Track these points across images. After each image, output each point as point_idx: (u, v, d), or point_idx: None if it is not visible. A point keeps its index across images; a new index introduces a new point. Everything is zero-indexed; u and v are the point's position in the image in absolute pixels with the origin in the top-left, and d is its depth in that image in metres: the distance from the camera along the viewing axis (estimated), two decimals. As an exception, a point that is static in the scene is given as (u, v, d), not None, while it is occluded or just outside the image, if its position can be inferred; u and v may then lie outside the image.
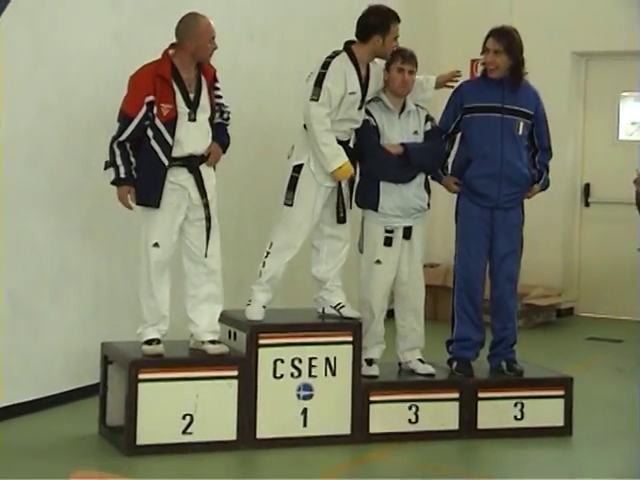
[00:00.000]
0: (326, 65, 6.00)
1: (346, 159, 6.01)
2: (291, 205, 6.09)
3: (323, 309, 6.27)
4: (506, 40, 6.35)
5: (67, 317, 6.60)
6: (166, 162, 5.74)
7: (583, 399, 6.40)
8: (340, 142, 6.05)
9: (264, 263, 6.14)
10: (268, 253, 6.14)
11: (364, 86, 6.10)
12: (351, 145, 6.19)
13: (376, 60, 6.19)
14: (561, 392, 6.32)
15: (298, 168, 6.09)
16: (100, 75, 6.71)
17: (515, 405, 6.31)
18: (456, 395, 6.27)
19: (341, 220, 6.11)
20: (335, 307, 6.20)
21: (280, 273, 6.14)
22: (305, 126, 6.09)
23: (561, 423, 6.32)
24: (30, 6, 6.02)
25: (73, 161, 6.58)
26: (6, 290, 6.19)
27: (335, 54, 6.06)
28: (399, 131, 6.25)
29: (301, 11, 8.21)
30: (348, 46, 6.11)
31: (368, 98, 6.17)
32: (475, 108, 6.37)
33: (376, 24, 6.06)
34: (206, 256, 5.89)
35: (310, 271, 6.25)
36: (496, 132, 6.33)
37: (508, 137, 6.33)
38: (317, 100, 5.96)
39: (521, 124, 6.36)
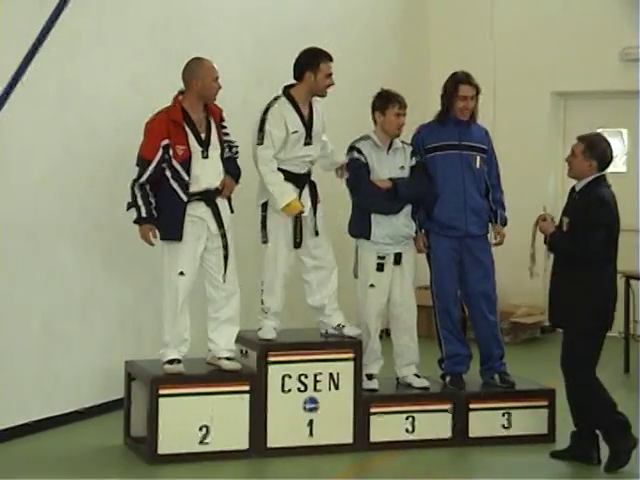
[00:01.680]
0: (266, 111, 6.08)
1: (293, 197, 6.05)
2: (266, 242, 6.18)
3: (326, 331, 6.34)
4: (477, 85, 6.44)
5: (94, 338, 6.67)
6: (185, 198, 5.83)
7: (566, 409, 6.45)
8: (298, 175, 6.12)
9: (262, 301, 6.23)
10: (262, 291, 6.24)
11: (308, 124, 6.16)
12: (312, 178, 6.26)
13: (318, 99, 6.24)
14: (545, 403, 6.39)
15: (264, 206, 6.17)
16: (120, 118, 6.81)
17: (503, 415, 6.37)
18: (449, 406, 6.33)
19: (297, 245, 6.15)
20: (336, 328, 6.28)
21: (279, 305, 6.22)
22: None
23: (545, 431, 6.39)
24: (57, 55, 6.12)
25: (98, 197, 6.68)
26: (39, 314, 6.28)
27: (275, 99, 6.13)
28: (387, 167, 6.33)
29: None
30: (286, 90, 6.18)
31: (317, 134, 6.20)
32: (435, 147, 6.44)
33: (306, 62, 6.13)
34: (224, 282, 5.97)
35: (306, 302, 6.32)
36: (457, 168, 6.41)
37: (468, 171, 6.42)
38: (262, 144, 6.04)
39: (478, 158, 6.45)
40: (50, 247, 6.36)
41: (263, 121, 6.07)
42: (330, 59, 6.17)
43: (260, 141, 6.05)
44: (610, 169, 10.25)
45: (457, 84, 6.42)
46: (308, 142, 6.17)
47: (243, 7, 7.94)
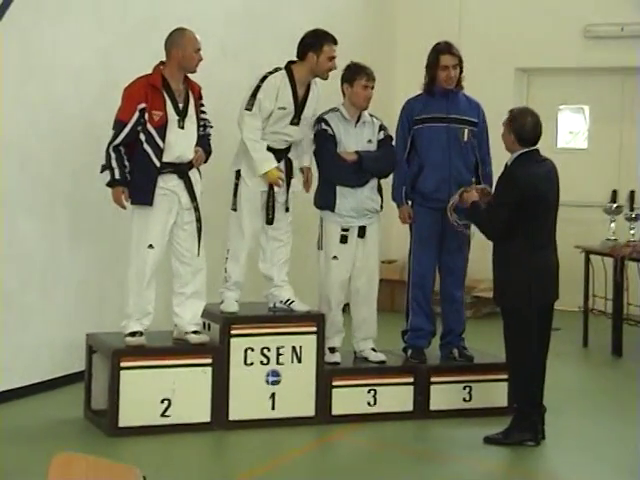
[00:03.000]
0: (263, 79, 5.97)
1: (274, 165, 5.95)
2: (235, 210, 6.07)
3: (274, 304, 6.24)
4: (458, 55, 6.36)
5: (55, 311, 6.54)
6: (158, 164, 5.71)
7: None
8: (275, 150, 6.01)
9: (225, 269, 6.13)
10: (227, 259, 6.13)
11: (300, 104, 6.04)
12: (290, 156, 6.15)
13: (317, 82, 6.14)
14: (504, 376, 6.30)
15: (237, 174, 6.07)
16: (85, 90, 6.65)
17: (464, 388, 6.34)
18: (411, 380, 6.28)
19: (269, 222, 6.06)
20: (285, 302, 6.18)
21: (241, 275, 6.12)
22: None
23: (505, 404, 6.33)
24: (21, 25, 5.96)
25: (60, 169, 6.51)
26: (-2, 286, 6.14)
27: (275, 70, 6.02)
28: (354, 140, 6.23)
29: (270, 31, 8.19)
30: (288, 65, 6.07)
31: (307, 117, 6.08)
32: (422, 120, 6.36)
33: (310, 42, 6.03)
34: (198, 255, 5.87)
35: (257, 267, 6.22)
36: (442, 140, 6.33)
37: (454, 145, 6.33)
38: (251, 110, 5.93)
39: (465, 131, 6.36)
40: (11, 219, 6.20)
41: (257, 88, 5.95)
42: (335, 42, 6.05)
43: (250, 107, 5.93)
44: (571, 145, 10.51)
45: (438, 54, 6.34)
46: (295, 122, 6.05)
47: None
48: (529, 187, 5.57)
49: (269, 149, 6.01)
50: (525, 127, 5.66)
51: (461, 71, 6.40)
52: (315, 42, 6.01)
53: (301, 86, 6.05)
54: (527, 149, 5.67)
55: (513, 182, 5.61)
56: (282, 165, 6.08)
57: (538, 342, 5.75)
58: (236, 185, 6.08)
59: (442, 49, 6.36)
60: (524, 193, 5.55)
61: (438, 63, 6.33)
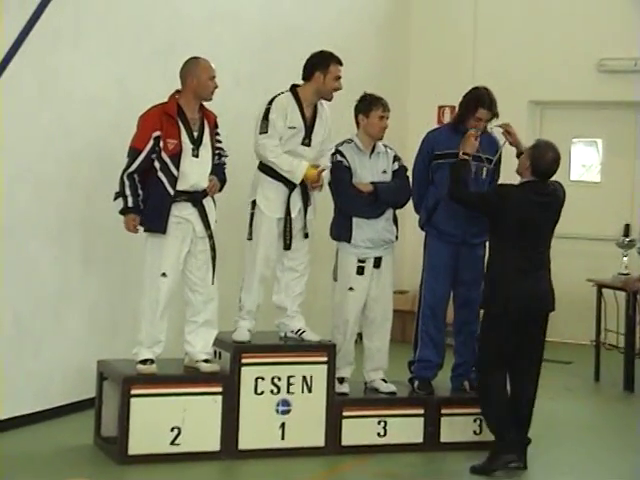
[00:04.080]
0: (271, 101, 6.04)
1: (306, 164, 5.99)
2: (251, 239, 6.10)
3: (285, 334, 6.25)
4: (496, 111, 6.35)
5: (66, 336, 6.55)
6: (172, 192, 5.75)
7: (536, 415, 6.40)
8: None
9: (240, 298, 6.15)
10: (242, 288, 6.16)
11: (309, 124, 6.09)
12: None
13: (324, 104, 6.19)
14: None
15: (253, 204, 6.11)
16: (100, 117, 6.70)
17: (474, 421, 6.32)
18: (421, 411, 6.28)
19: (287, 247, 6.08)
20: (296, 332, 6.20)
21: (256, 304, 6.14)
22: (259, 164, 6.10)
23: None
24: (37, 53, 6.02)
25: (75, 195, 6.56)
26: (11, 311, 6.16)
27: (281, 92, 6.09)
28: (369, 171, 6.26)
29: (284, 59, 8.24)
30: (293, 87, 6.13)
31: (318, 137, 6.12)
32: (444, 155, 6.34)
33: (317, 62, 6.09)
34: (212, 284, 5.90)
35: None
36: None
37: (473, 181, 6.31)
38: (267, 132, 5.98)
39: (484, 169, 6.37)
40: (25, 244, 6.23)
41: (268, 110, 6.02)
42: (340, 63, 6.12)
43: (265, 129, 5.99)
44: (584, 178, 10.52)
45: (477, 105, 6.30)
46: (306, 143, 6.09)
47: (226, 9, 7.86)
48: (518, 207, 5.73)
49: (285, 180, 6.04)
50: (543, 159, 5.78)
51: (497, 116, 6.38)
52: (322, 62, 6.08)
53: (308, 106, 6.11)
54: (535, 179, 5.79)
55: (506, 194, 5.82)
56: (298, 192, 6.10)
57: (515, 365, 5.84)
58: (252, 215, 6.11)
59: (483, 102, 6.29)
60: (512, 208, 5.72)
61: (474, 113, 6.30)
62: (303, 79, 6.13)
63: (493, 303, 5.85)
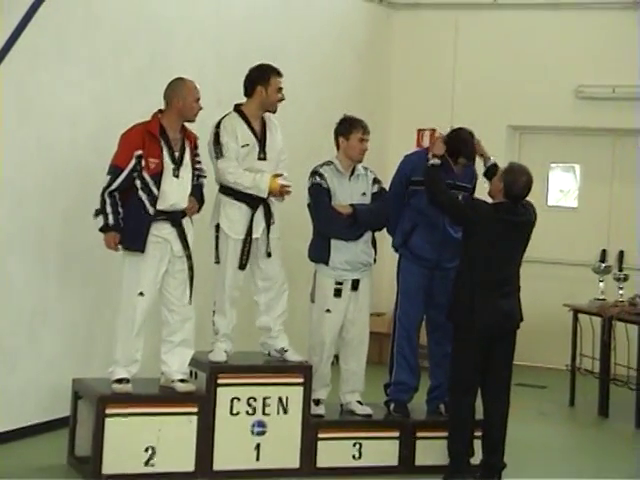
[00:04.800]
0: (218, 124, 6.09)
1: (268, 176, 6.03)
2: (218, 262, 6.14)
3: (269, 352, 6.28)
4: (474, 159, 6.47)
5: (41, 355, 6.54)
6: (152, 211, 5.77)
7: (510, 439, 6.45)
8: (251, 195, 6.06)
9: (213, 322, 6.18)
10: (214, 312, 6.18)
11: (261, 138, 6.14)
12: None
13: (270, 116, 6.23)
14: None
15: (217, 228, 6.15)
16: (80, 135, 6.72)
17: (450, 444, 6.35)
18: (397, 434, 6.31)
19: (242, 267, 6.11)
20: (279, 351, 6.23)
21: (230, 327, 6.16)
22: (220, 187, 6.14)
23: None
24: (18, 69, 6.04)
25: (52, 212, 6.57)
26: (-15, 329, 6.16)
27: (225, 115, 6.15)
28: (349, 193, 6.29)
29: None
30: (237, 107, 6.18)
31: (273, 150, 6.16)
32: (419, 182, 6.35)
33: (257, 76, 6.15)
34: (190, 303, 5.92)
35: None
36: None
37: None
38: (223, 156, 6.03)
39: (459, 196, 6.42)
40: (1, 261, 6.23)
41: (217, 134, 6.07)
42: (280, 75, 6.19)
43: (220, 154, 6.04)
44: (561, 203, 10.61)
45: (459, 155, 6.36)
46: (262, 157, 6.14)
47: (206, 29, 7.91)
48: (487, 222, 5.85)
49: (245, 195, 6.07)
50: (516, 184, 5.87)
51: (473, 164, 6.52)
52: (262, 76, 6.15)
53: (255, 121, 6.16)
54: (507, 201, 5.90)
55: (479, 207, 5.96)
56: (261, 212, 6.14)
57: (485, 387, 5.94)
58: (217, 238, 6.15)
59: (466, 153, 6.35)
60: (481, 222, 5.86)
61: (456, 160, 6.37)
62: (245, 95, 6.20)
63: (460, 318, 5.94)
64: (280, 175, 6.13)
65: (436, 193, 6.10)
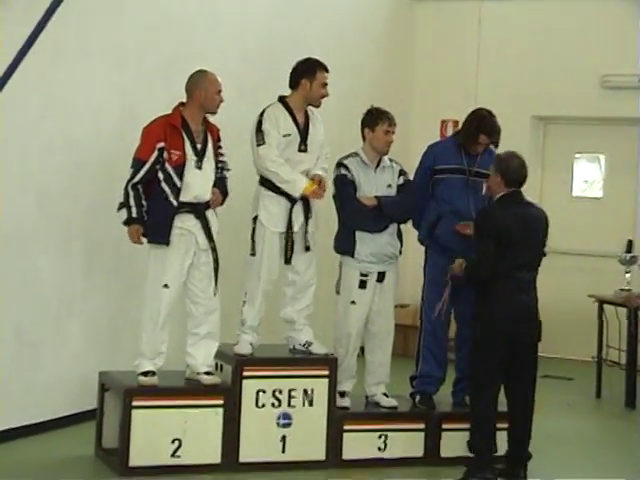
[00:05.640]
0: (262, 113, 6.12)
1: (305, 181, 6.05)
2: (254, 255, 6.15)
3: (293, 347, 6.30)
4: (497, 135, 6.41)
5: (68, 348, 6.60)
6: (175, 203, 5.80)
7: (537, 431, 6.44)
8: None
9: (242, 312, 6.19)
10: (244, 302, 6.20)
11: (303, 130, 6.16)
12: None
13: (314, 110, 6.25)
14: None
15: (254, 219, 6.16)
16: (104, 128, 6.76)
17: (475, 435, 6.35)
18: (422, 426, 6.31)
19: (287, 261, 6.13)
20: (303, 345, 6.25)
21: (258, 319, 6.18)
22: (260, 179, 6.16)
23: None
24: (41, 63, 6.08)
25: (77, 205, 6.61)
26: (12, 322, 6.20)
27: (270, 105, 6.18)
28: (374, 185, 6.30)
29: (287, 70, 8.29)
30: (281, 98, 6.21)
31: (314, 143, 6.19)
32: (444, 170, 6.40)
33: (303, 70, 6.17)
34: (215, 296, 5.95)
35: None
36: (463, 191, 6.38)
37: (473, 196, 6.37)
38: (264, 143, 6.05)
39: (484, 184, 6.44)
40: (26, 255, 6.28)
41: (260, 122, 6.09)
42: (326, 70, 6.21)
43: (261, 141, 6.06)
44: (586, 193, 10.58)
45: (479, 132, 6.35)
46: (303, 149, 6.15)
47: (230, 22, 7.93)
48: (503, 223, 5.75)
49: (287, 193, 6.09)
50: (511, 167, 5.85)
51: (496, 145, 6.45)
52: (308, 69, 6.16)
53: (298, 112, 6.18)
54: (510, 190, 5.83)
55: (489, 217, 5.85)
56: (300, 206, 6.15)
57: (508, 383, 5.89)
58: (253, 229, 6.16)
59: (485, 129, 6.35)
60: (498, 228, 5.74)
61: (476, 139, 6.37)
62: (290, 87, 6.22)
63: (484, 322, 5.86)
64: (317, 182, 6.11)
65: (479, 269, 5.87)
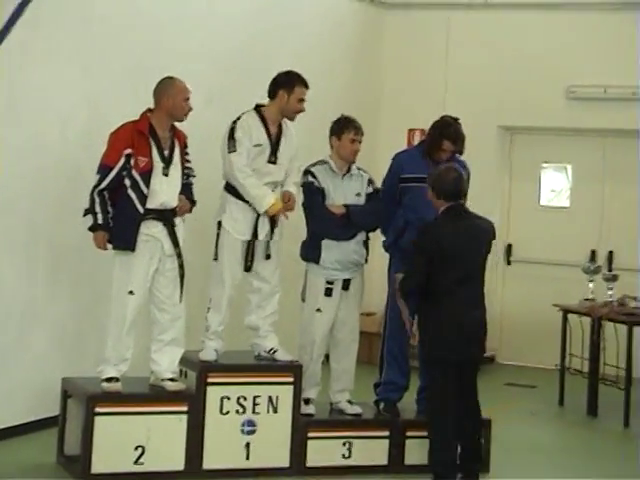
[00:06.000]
0: (235, 121, 6.12)
1: (274, 197, 6.06)
2: (217, 259, 6.15)
3: (258, 353, 6.31)
4: (461, 142, 6.42)
5: (31, 354, 6.55)
6: (141, 210, 5.79)
7: (500, 438, 6.48)
8: None
9: (206, 318, 6.19)
10: (209, 308, 6.20)
11: (275, 142, 6.17)
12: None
13: (288, 123, 6.27)
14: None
15: (219, 225, 6.16)
16: (70, 134, 6.73)
17: (439, 444, 6.37)
18: (386, 433, 6.33)
19: (247, 269, 6.14)
20: (269, 352, 6.25)
21: (221, 324, 6.18)
22: (225, 185, 6.17)
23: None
24: (8, 68, 6.06)
25: (42, 211, 6.58)
26: (-25, 327, 6.17)
27: (244, 112, 6.18)
28: (342, 193, 6.32)
29: (257, 77, 8.30)
30: (257, 106, 6.22)
31: (284, 155, 6.19)
32: (410, 179, 6.42)
33: (283, 81, 6.19)
34: (180, 302, 5.94)
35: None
36: (429, 202, 6.39)
37: None
38: (235, 150, 6.05)
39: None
40: (-9, 260, 6.25)
41: (233, 129, 6.10)
42: (306, 86, 6.21)
43: (233, 148, 6.06)
44: (553, 203, 10.66)
45: (442, 137, 6.37)
46: (272, 160, 6.16)
47: (198, 28, 7.91)
48: (442, 237, 5.73)
49: None
50: (446, 182, 5.82)
51: (460, 153, 6.47)
52: (287, 82, 6.18)
53: (272, 124, 6.19)
54: (449, 205, 5.81)
55: (426, 231, 5.82)
56: (265, 214, 6.16)
57: (460, 397, 5.83)
58: (218, 235, 6.16)
59: (449, 135, 6.37)
60: (436, 242, 5.71)
61: (440, 145, 6.38)
62: (268, 97, 6.23)
63: (431, 339, 5.83)
64: (289, 198, 6.12)
65: (409, 281, 5.90)
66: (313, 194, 6.29)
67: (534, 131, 10.62)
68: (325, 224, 6.27)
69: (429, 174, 5.97)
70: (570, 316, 8.60)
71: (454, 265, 5.73)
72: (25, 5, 5.42)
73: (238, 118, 6.14)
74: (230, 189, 6.16)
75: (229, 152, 6.07)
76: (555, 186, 10.87)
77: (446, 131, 6.40)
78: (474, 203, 6.41)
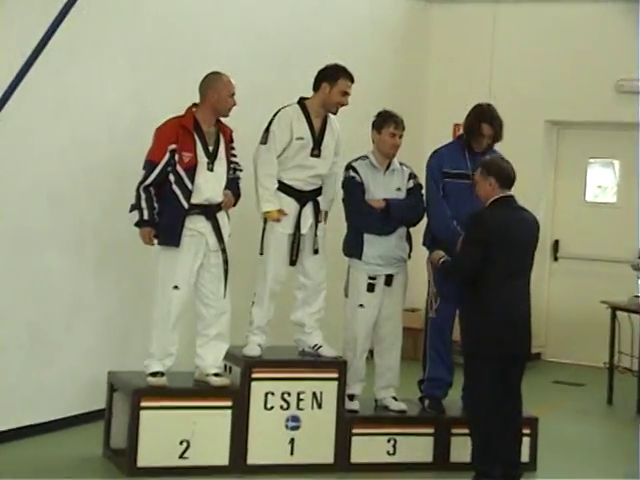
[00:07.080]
0: (277, 113, 6.12)
1: (276, 207, 6.03)
2: (262, 254, 6.16)
3: (303, 349, 6.31)
4: (499, 125, 6.39)
5: (79, 347, 6.63)
6: (186, 205, 5.81)
7: (547, 437, 6.42)
8: (301, 191, 6.10)
9: (251, 312, 6.20)
10: (253, 303, 6.21)
11: (318, 135, 6.15)
12: (319, 199, 6.21)
13: (332, 117, 6.24)
14: (527, 431, 6.30)
15: (265, 219, 6.16)
16: (117, 130, 6.78)
17: (485, 441, 6.33)
18: (431, 430, 6.30)
19: (292, 263, 6.14)
20: (313, 348, 6.25)
21: (266, 320, 6.18)
22: None
23: (527, 459, 6.30)
24: (55, 65, 6.11)
25: (90, 207, 6.64)
26: (25, 321, 6.24)
27: (288, 105, 6.16)
28: (383, 187, 6.30)
29: (301, 71, 8.30)
30: (301, 99, 6.20)
31: (328, 149, 6.18)
32: (448, 174, 6.39)
33: (326, 74, 6.16)
34: (224, 297, 5.95)
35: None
36: (467, 197, 6.27)
37: (477, 200, 6.34)
38: (265, 143, 6.05)
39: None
40: (39, 255, 6.31)
41: (270, 122, 6.10)
42: (351, 79, 6.17)
43: (264, 140, 6.07)
44: (600, 199, 10.55)
45: (480, 122, 6.36)
46: (315, 154, 6.14)
47: (243, 24, 7.94)
48: (497, 227, 5.63)
49: (294, 191, 6.11)
50: (502, 167, 5.78)
51: (497, 139, 6.44)
52: (331, 74, 6.15)
53: (316, 117, 6.17)
54: (503, 194, 5.73)
55: (481, 220, 5.71)
56: (310, 208, 6.16)
57: (504, 396, 5.70)
58: (264, 230, 6.17)
59: (485, 118, 6.36)
60: (492, 232, 5.61)
61: (479, 130, 6.36)
62: (313, 89, 6.21)
63: (477, 333, 5.69)
64: (283, 213, 6.07)
65: (458, 270, 5.84)
66: (353, 189, 6.27)
67: (581, 126, 10.53)
68: (365, 218, 6.25)
69: (483, 162, 5.91)
70: (619, 313, 8.51)
71: (507, 257, 5.62)
72: (72, 3, 5.46)
73: (279, 110, 6.14)
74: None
75: (260, 143, 6.09)
76: (602, 182, 10.75)
77: (482, 115, 6.38)
78: (519, 198, 6.36)
